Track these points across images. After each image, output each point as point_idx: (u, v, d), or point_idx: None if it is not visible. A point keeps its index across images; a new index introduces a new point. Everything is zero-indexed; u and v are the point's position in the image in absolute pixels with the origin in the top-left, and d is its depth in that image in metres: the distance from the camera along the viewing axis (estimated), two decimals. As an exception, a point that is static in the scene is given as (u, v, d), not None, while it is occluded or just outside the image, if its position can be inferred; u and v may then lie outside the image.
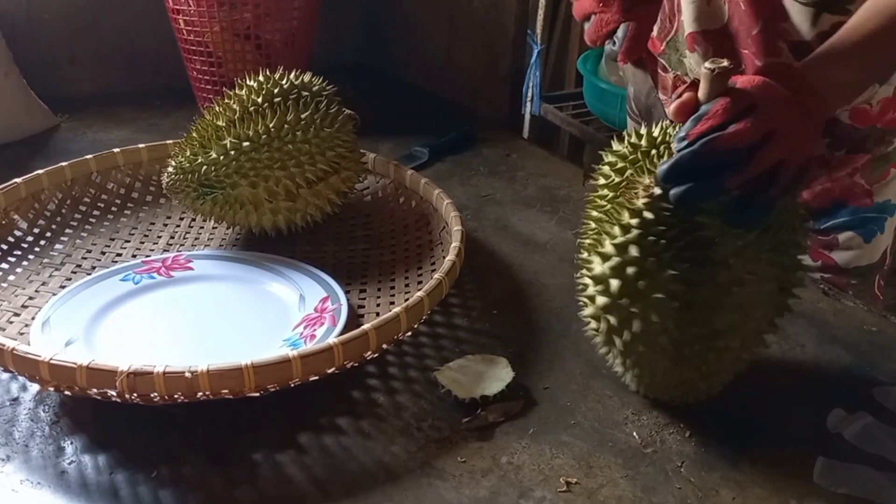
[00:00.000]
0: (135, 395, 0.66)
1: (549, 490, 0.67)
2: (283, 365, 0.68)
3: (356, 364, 0.74)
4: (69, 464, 0.68)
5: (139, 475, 0.67)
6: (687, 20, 0.97)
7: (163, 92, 1.51)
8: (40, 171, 1.02)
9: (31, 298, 0.90)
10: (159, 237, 1.05)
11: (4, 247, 0.97)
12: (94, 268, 0.97)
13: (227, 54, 1.35)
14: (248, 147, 0.93)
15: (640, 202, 0.66)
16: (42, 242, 1.00)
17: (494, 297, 0.93)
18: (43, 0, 1.46)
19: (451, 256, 0.85)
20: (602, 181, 0.73)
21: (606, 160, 0.73)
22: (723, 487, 0.67)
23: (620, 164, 0.71)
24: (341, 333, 0.77)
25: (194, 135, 0.97)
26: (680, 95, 0.68)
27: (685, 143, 0.64)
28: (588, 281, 0.71)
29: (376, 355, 0.77)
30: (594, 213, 0.73)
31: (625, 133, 0.75)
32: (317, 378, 0.71)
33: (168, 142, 1.12)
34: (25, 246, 0.98)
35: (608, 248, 0.68)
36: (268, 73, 1.01)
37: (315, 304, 0.88)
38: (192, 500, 0.65)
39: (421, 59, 1.73)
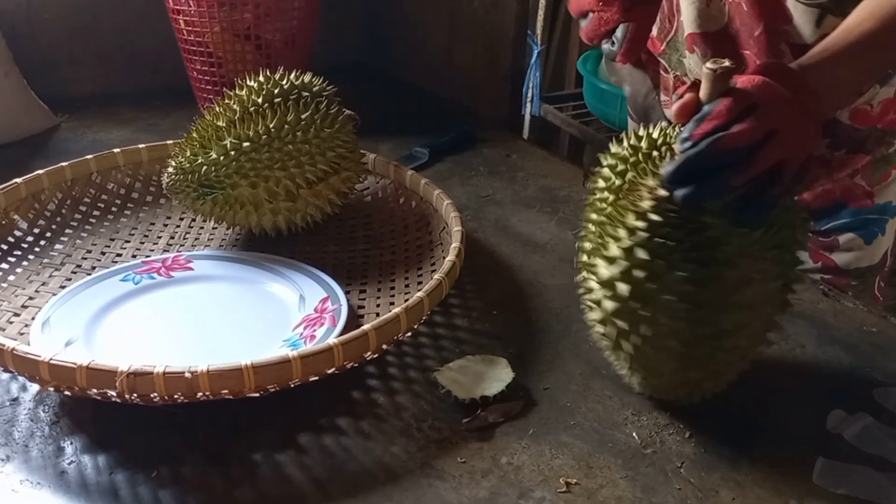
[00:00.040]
0: (135, 395, 0.66)
1: (548, 490, 0.67)
2: (283, 365, 0.68)
3: (356, 364, 0.74)
4: (69, 464, 0.68)
5: (139, 475, 0.67)
6: (686, 21, 0.97)
7: (163, 92, 1.51)
8: (40, 171, 1.02)
9: (31, 298, 0.90)
10: (159, 237, 1.05)
11: (4, 247, 0.97)
12: (94, 268, 0.97)
13: (227, 54, 1.35)
14: (249, 147, 0.93)
15: (646, 204, 0.66)
16: (42, 242, 1.00)
17: (494, 298, 0.93)
18: (43, 0, 1.46)
19: (451, 257, 0.85)
20: (602, 184, 0.73)
21: (605, 163, 0.73)
22: (722, 488, 0.67)
23: (621, 167, 0.71)
24: (341, 334, 0.77)
25: (194, 135, 0.97)
26: (681, 96, 0.68)
27: (689, 143, 0.64)
28: (594, 285, 0.70)
29: (376, 356, 0.77)
30: (594, 216, 0.73)
31: (622, 135, 0.75)
32: (317, 378, 0.71)
33: (168, 142, 1.12)
34: (25, 246, 0.98)
35: (615, 251, 0.67)
36: (268, 73, 1.01)
37: (315, 304, 0.88)
38: (192, 500, 0.65)
39: (421, 59, 1.73)
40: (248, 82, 1.00)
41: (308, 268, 0.94)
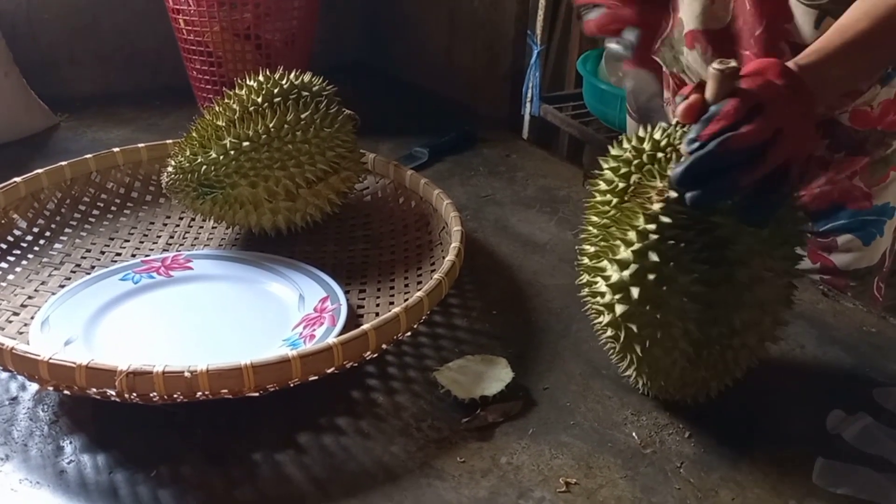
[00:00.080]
0: (134, 394, 0.66)
1: (548, 490, 0.67)
2: (283, 365, 0.68)
3: (356, 364, 0.74)
4: (68, 463, 0.68)
5: (138, 475, 0.67)
6: (688, 17, 0.97)
7: (163, 92, 1.51)
8: (40, 171, 1.02)
9: (30, 298, 0.90)
10: (159, 237, 1.05)
11: (4, 246, 0.97)
12: (93, 267, 0.97)
13: (227, 54, 1.35)
14: (248, 147, 0.93)
15: (656, 206, 0.66)
16: (41, 242, 1.00)
17: (494, 298, 0.93)
18: (43, 0, 1.45)
19: (450, 257, 0.85)
20: (604, 186, 0.73)
21: (608, 165, 0.73)
22: (722, 488, 0.67)
23: (624, 169, 0.71)
24: (341, 333, 0.77)
25: (194, 134, 0.97)
26: (686, 97, 0.68)
27: (696, 144, 0.64)
28: (604, 289, 0.70)
29: (376, 355, 0.77)
30: (596, 219, 0.72)
31: (622, 137, 0.74)
32: (316, 378, 0.71)
33: (168, 141, 1.12)
34: (25, 245, 0.98)
35: (625, 254, 0.67)
36: (268, 72, 1.01)
37: (314, 304, 0.88)
38: (192, 499, 0.65)
39: (421, 59, 1.73)
40: (247, 82, 1.00)
41: (308, 267, 0.94)
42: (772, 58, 0.71)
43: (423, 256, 0.99)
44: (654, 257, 0.66)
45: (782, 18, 0.89)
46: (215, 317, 0.88)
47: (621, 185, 0.71)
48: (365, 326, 0.72)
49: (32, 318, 0.84)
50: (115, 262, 0.98)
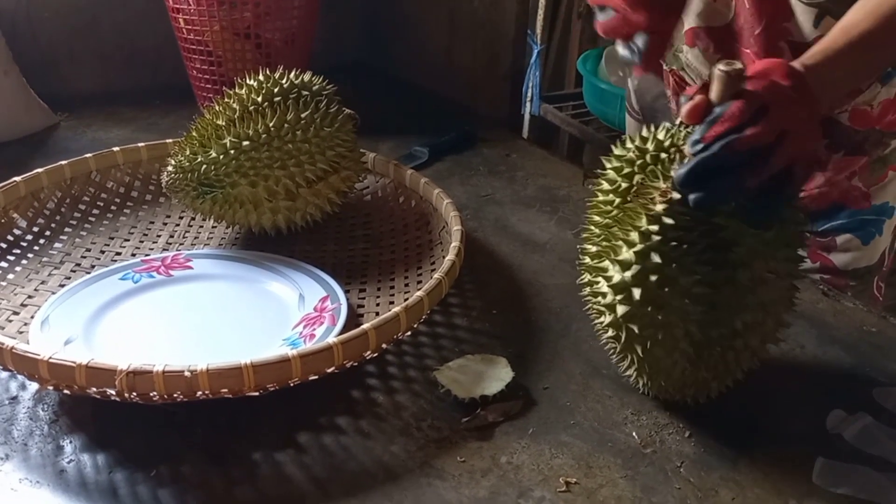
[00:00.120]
0: (134, 394, 0.66)
1: (548, 490, 0.67)
2: (283, 364, 0.68)
3: (356, 363, 0.74)
4: (68, 462, 0.68)
5: (138, 474, 0.67)
6: (689, 15, 0.97)
7: (163, 91, 1.51)
8: (40, 170, 1.02)
9: (30, 297, 0.90)
10: (159, 236, 1.05)
11: (3, 245, 0.96)
12: (93, 266, 0.97)
13: (227, 53, 1.34)
14: (248, 146, 0.93)
15: (659, 207, 0.66)
16: (41, 241, 1.00)
17: (494, 297, 0.93)
18: (43, -2, 1.46)
19: (450, 256, 0.85)
20: (606, 186, 0.72)
21: (611, 165, 0.73)
22: (722, 488, 0.67)
23: (627, 169, 0.71)
24: (341, 333, 0.77)
25: (194, 134, 0.97)
26: (690, 98, 0.67)
27: (700, 146, 0.64)
28: (606, 290, 0.70)
29: (376, 355, 0.77)
30: (598, 219, 0.72)
31: (625, 138, 0.74)
32: (316, 377, 0.71)
33: (168, 141, 1.12)
34: (25, 244, 0.98)
35: (627, 255, 0.67)
36: (268, 72, 1.01)
37: (315, 303, 0.88)
38: (192, 499, 0.65)
39: (421, 58, 1.73)
40: (247, 81, 1.00)
41: (308, 267, 0.94)
42: (776, 58, 0.71)
43: (423, 256, 0.99)
44: (656, 258, 0.66)
45: (781, 17, 0.89)
46: (215, 316, 0.88)
47: (624, 185, 0.70)
48: (365, 326, 0.72)
49: (32, 317, 0.84)
50: (115, 261, 0.98)
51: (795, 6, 0.88)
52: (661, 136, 0.71)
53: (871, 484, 0.67)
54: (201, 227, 1.07)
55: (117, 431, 0.72)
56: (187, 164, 0.94)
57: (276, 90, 0.98)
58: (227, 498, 0.66)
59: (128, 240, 1.03)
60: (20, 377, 0.76)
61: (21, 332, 0.83)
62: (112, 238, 1.03)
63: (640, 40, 0.92)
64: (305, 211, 0.99)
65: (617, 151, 0.73)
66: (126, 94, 1.51)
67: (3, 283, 0.91)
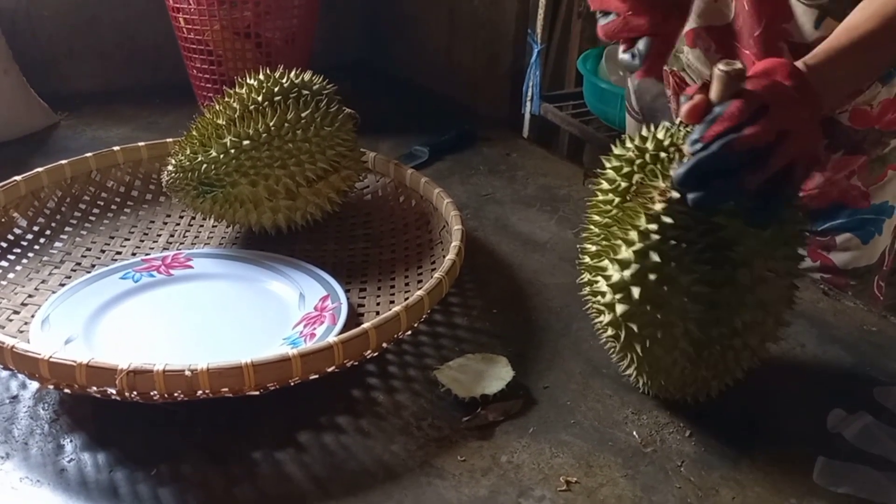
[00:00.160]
0: (134, 393, 0.66)
1: (548, 489, 0.67)
2: (283, 363, 0.67)
3: (356, 363, 0.74)
4: (68, 462, 0.68)
5: (139, 473, 0.67)
6: (689, 15, 0.97)
7: (163, 90, 1.51)
8: (40, 169, 1.02)
9: (30, 296, 0.90)
10: (159, 235, 1.05)
11: (4, 244, 0.96)
12: (93, 266, 0.97)
13: (227, 52, 1.34)
14: (249, 145, 0.93)
15: (658, 207, 0.66)
16: (42, 240, 1.00)
17: (494, 297, 0.93)
18: (43, -3, 1.46)
19: (451, 255, 0.85)
20: (606, 186, 0.72)
21: (610, 165, 0.73)
22: (723, 487, 0.67)
23: (626, 169, 0.71)
24: (341, 332, 0.77)
25: (194, 133, 0.97)
26: (690, 97, 0.67)
27: (700, 145, 0.64)
28: (605, 289, 0.70)
29: (376, 354, 0.77)
30: (598, 218, 0.72)
31: (625, 137, 0.74)
32: (317, 377, 0.71)
33: (168, 140, 1.12)
34: (25, 244, 0.98)
35: (626, 254, 0.67)
36: (268, 71, 1.01)
37: (315, 302, 0.88)
38: (192, 498, 0.65)
39: (421, 58, 1.73)
40: (248, 80, 1.00)
41: (308, 266, 0.94)
42: (779, 58, 0.71)
43: (423, 255, 0.99)
44: (655, 257, 0.66)
45: (781, 18, 0.89)
46: (216, 315, 0.88)
47: (623, 184, 0.70)
48: (365, 325, 0.72)
49: (33, 316, 0.84)
50: (116, 260, 0.98)
51: (796, 7, 0.88)
52: (660, 135, 0.71)
53: (872, 483, 0.68)
54: (202, 226, 1.07)
55: (118, 430, 0.72)
56: (188, 163, 0.94)
57: (276, 89, 0.98)
58: (228, 497, 0.66)
59: (128, 239, 1.03)
60: (21, 376, 0.76)
61: (21, 332, 0.83)
62: (112, 237, 1.03)
63: (641, 44, 0.92)
64: (306, 210, 0.99)
65: (616, 151, 0.73)
66: (126, 93, 1.51)
67: (4, 283, 0.91)
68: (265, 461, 0.69)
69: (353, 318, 0.87)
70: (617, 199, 0.71)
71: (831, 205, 1.00)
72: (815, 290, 0.95)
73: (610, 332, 0.72)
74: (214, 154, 0.93)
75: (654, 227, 0.66)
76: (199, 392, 0.66)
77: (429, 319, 0.86)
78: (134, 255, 1.00)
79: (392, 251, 1.02)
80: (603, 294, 0.70)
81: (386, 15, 1.79)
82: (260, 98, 0.97)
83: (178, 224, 1.08)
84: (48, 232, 1.01)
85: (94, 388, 0.67)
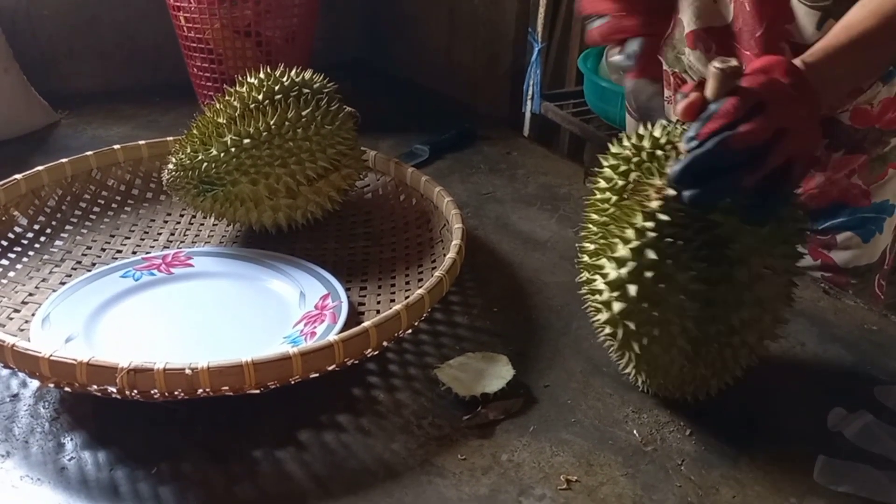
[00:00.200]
0: (135, 391, 0.66)
1: (549, 488, 0.67)
2: (284, 362, 0.68)
3: (356, 361, 0.74)
4: (69, 460, 0.68)
5: (139, 472, 0.67)
6: (687, 18, 0.97)
7: (163, 88, 1.51)
8: (40, 168, 1.02)
9: (31, 295, 0.90)
10: (159, 234, 1.05)
11: (4, 243, 0.96)
12: (94, 264, 0.97)
13: (227, 51, 1.34)
14: (249, 144, 0.93)
15: (654, 204, 0.66)
16: (42, 239, 1.00)
17: (495, 295, 0.93)
18: (43, -4, 1.46)
19: (451, 254, 0.85)
20: (603, 184, 0.72)
21: (607, 163, 0.73)
22: (723, 485, 0.67)
23: (623, 167, 0.71)
24: (342, 331, 0.77)
25: (195, 132, 0.97)
26: (686, 95, 0.67)
27: (695, 143, 0.64)
28: (602, 287, 0.70)
29: (377, 353, 0.77)
30: (596, 217, 0.72)
31: (622, 136, 0.74)
32: (317, 375, 0.71)
33: (168, 138, 1.12)
34: (25, 242, 0.98)
35: (623, 252, 0.67)
36: (268, 70, 1.01)
37: (315, 301, 0.88)
38: (192, 496, 0.65)
39: (421, 56, 1.73)
40: (248, 79, 1.00)
41: (308, 265, 0.94)
42: (772, 54, 0.71)
43: (423, 254, 0.99)
44: (651, 255, 0.65)
45: (783, 19, 0.89)
46: (216, 314, 0.88)
47: (620, 182, 0.70)
48: (366, 324, 0.72)
49: (33, 315, 0.84)
50: (116, 259, 0.98)
51: (797, 8, 0.88)
52: (657, 133, 0.71)
53: (872, 482, 0.68)
54: (202, 224, 1.07)
55: (118, 429, 0.72)
56: (188, 161, 0.94)
57: (276, 88, 0.98)
58: (228, 495, 0.66)
59: (128, 237, 1.03)
60: (21, 375, 0.76)
61: (22, 330, 0.83)
62: (113, 236, 1.03)
63: (633, 45, 0.92)
64: (306, 209, 0.99)
65: (613, 149, 0.73)
66: (126, 91, 1.51)
67: (4, 281, 0.91)
68: (266, 460, 0.69)
69: (354, 317, 0.87)
70: (614, 198, 0.71)
71: (832, 204, 1.00)
72: (816, 288, 0.95)
73: (608, 330, 0.72)
74: (215, 153, 0.93)
75: (650, 224, 0.66)
76: (200, 390, 0.66)
77: (429, 318, 0.86)
78: (134, 253, 1.00)
79: (392, 250, 1.02)
80: (600, 292, 0.70)
81: (386, 14, 1.79)
82: (260, 97, 0.97)
83: (179, 223, 1.08)
84: (49, 230, 1.01)
85: (95, 387, 0.67)
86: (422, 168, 1.19)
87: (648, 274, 0.66)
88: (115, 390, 0.66)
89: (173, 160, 0.97)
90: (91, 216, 1.06)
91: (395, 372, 0.80)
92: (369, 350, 0.73)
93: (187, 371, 0.65)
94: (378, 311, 0.89)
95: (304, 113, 0.96)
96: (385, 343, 0.75)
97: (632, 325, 0.68)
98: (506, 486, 0.67)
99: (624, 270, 0.67)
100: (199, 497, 0.65)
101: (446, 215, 0.98)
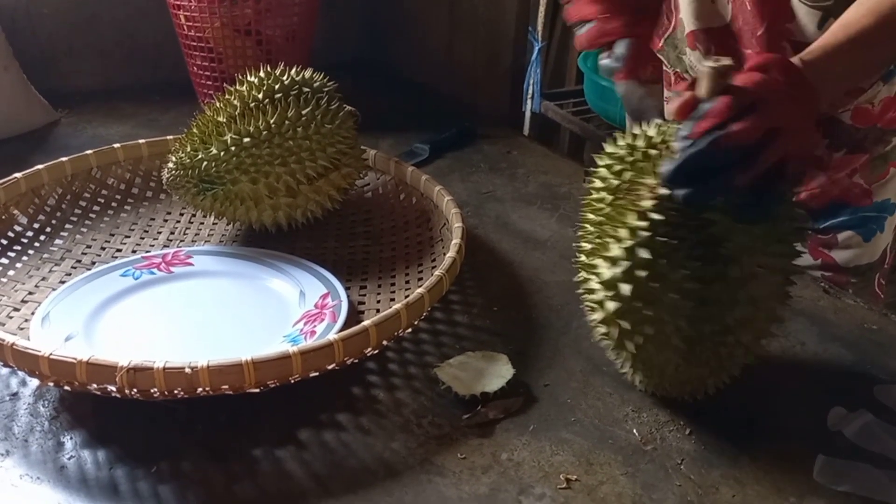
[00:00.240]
0: (135, 390, 0.66)
1: (548, 487, 0.67)
2: (284, 361, 0.67)
3: (356, 360, 0.74)
4: (69, 459, 0.68)
5: (139, 470, 0.67)
6: (687, 18, 0.97)
7: (163, 87, 1.51)
8: (40, 167, 1.02)
9: (30, 293, 0.90)
10: (159, 233, 1.05)
11: (4, 242, 0.96)
12: (93, 263, 0.97)
13: (227, 50, 1.34)
14: (249, 143, 0.93)
15: (647, 203, 0.66)
16: (42, 237, 1.00)
17: (495, 294, 0.93)
18: (43, -5, 1.46)
19: (451, 253, 0.85)
20: (599, 184, 0.72)
21: (602, 163, 0.73)
22: (722, 485, 0.67)
23: (618, 166, 0.71)
24: (341, 330, 0.77)
25: (195, 130, 0.97)
26: (680, 94, 0.67)
27: (687, 142, 0.64)
28: (596, 286, 0.70)
29: (376, 352, 0.77)
30: (592, 217, 0.72)
31: (617, 135, 0.74)
32: (317, 374, 0.71)
33: (168, 137, 1.12)
34: (25, 241, 0.98)
35: (616, 251, 0.67)
36: (268, 68, 1.00)
37: (315, 300, 0.88)
38: (192, 495, 0.65)
39: (421, 55, 1.73)
40: (248, 78, 1.00)
41: (308, 264, 0.94)
42: (775, 53, 0.71)
43: (423, 253, 0.99)
44: (644, 254, 0.65)
45: (783, 18, 0.89)
46: (216, 313, 0.88)
47: (615, 182, 0.70)
48: (366, 323, 0.72)
49: (33, 313, 0.84)
50: (116, 257, 0.98)
51: (798, 8, 0.88)
52: (651, 132, 0.71)
53: (872, 481, 0.67)
54: (202, 223, 1.07)
55: (118, 428, 0.72)
56: (188, 160, 0.94)
57: (276, 87, 0.98)
58: (228, 494, 0.66)
59: (128, 236, 1.03)
60: (21, 373, 0.76)
61: (22, 329, 0.83)
62: (113, 235, 1.03)
63: (620, 47, 0.92)
64: (306, 208, 0.99)
65: (609, 149, 0.73)
66: (126, 90, 1.51)
67: (4, 280, 0.91)
68: (265, 458, 0.69)
69: (354, 316, 0.87)
70: (609, 197, 0.71)
71: (833, 203, 0.99)
72: (816, 287, 0.95)
73: (603, 329, 0.72)
74: (215, 151, 0.93)
75: (643, 223, 0.66)
76: (200, 389, 0.66)
77: (429, 317, 0.86)
78: (134, 252, 1.00)
79: (392, 249, 1.02)
80: (594, 291, 0.70)
81: (386, 12, 1.79)
82: (260, 95, 0.97)
83: (179, 221, 1.07)
84: (48, 229, 1.01)
85: (95, 386, 0.67)
86: (422, 167, 1.19)
87: (642, 273, 0.66)
88: (114, 389, 0.66)
89: (173, 159, 0.96)
90: (91, 215, 1.06)
91: (394, 371, 0.80)
92: (369, 349, 0.73)
93: (187, 370, 0.65)
94: (378, 310, 0.88)
95: (304, 112, 0.96)
96: (385, 342, 0.75)
97: (626, 325, 0.68)
98: (506, 485, 0.67)
99: (617, 269, 0.67)
100: (199, 496, 0.65)
101: (446, 214, 0.98)
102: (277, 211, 0.97)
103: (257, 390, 0.69)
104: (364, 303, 0.91)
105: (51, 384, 0.73)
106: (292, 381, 0.70)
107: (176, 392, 0.67)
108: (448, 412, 0.74)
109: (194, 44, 1.35)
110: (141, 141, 1.11)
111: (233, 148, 0.93)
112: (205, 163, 0.93)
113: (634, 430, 0.73)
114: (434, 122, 1.40)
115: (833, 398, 0.76)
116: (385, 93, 1.58)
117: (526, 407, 0.75)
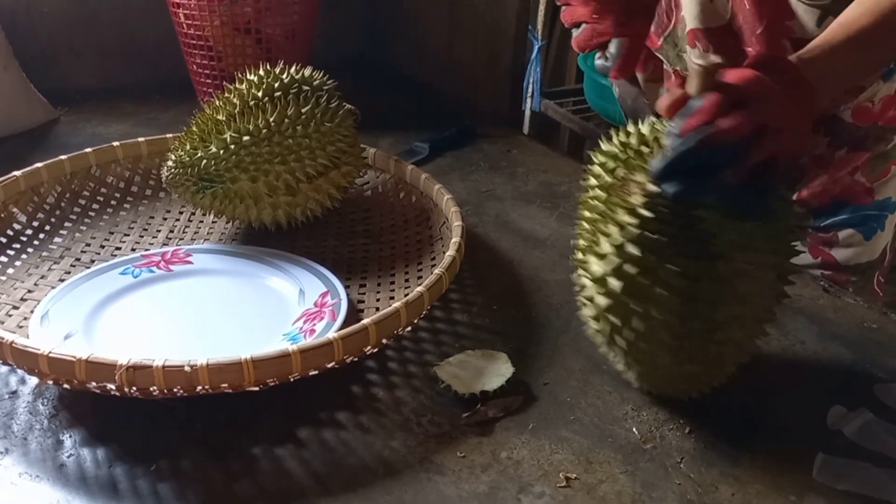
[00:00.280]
0: (134, 388, 0.66)
1: (548, 485, 0.67)
2: (283, 359, 0.67)
3: (356, 359, 0.74)
4: (68, 457, 0.68)
5: (138, 469, 0.67)
6: (688, 17, 0.97)
7: (163, 86, 1.51)
8: (39, 165, 1.02)
9: (29, 291, 0.90)
10: (159, 231, 1.05)
11: (3, 240, 0.96)
12: (93, 261, 0.97)
13: (227, 48, 1.34)
14: (248, 141, 0.93)
15: (636, 200, 0.66)
16: (41, 236, 1.00)
17: (494, 293, 0.93)
18: (43, -7, 1.46)
19: (451, 252, 0.85)
20: (593, 182, 0.73)
21: (597, 161, 0.73)
22: (722, 483, 0.67)
23: (612, 164, 0.71)
24: (341, 328, 0.77)
25: (194, 129, 0.97)
26: (670, 91, 0.67)
27: (677, 139, 0.64)
28: (587, 282, 0.70)
29: (376, 350, 0.77)
30: (587, 214, 0.72)
31: (611, 132, 0.74)
32: (316, 372, 0.71)
33: (168, 136, 1.12)
34: (24, 239, 0.98)
35: (606, 247, 0.67)
36: (268, 67, 1.00)
37: (315, 298, 0.88)
38: (191, 493, 0.65)
39: (421, 54, 1.73)
40: (248, 76, 1.00)
41: (308, 262, 0.94)
42: (773, 51, 0.71)
43: (423, 251, 0.99)
44: (633, 250, 0.65)
45: (782, 16, 0.89)
46: (215, 311, 0.88)
47: (609, 179, 0.70)
48: (365, 321, 0.72)
49: (32, 311, 0.84)
50: (115, 256, 0.98)
51: (797, 6, 0.88)
52: (644, 130, 0.71)
53: (872, 480, 0.67)
54: (201, 222, 1.07)
55: (117, 426, 0.72)
56: (187, 159, 0.94)
57: (276, 85, 0.98)
58: (227, 493, 0.65)
59: (128, 234, 1.03)
60: (20, 372, 0.76)
61: (21, 327, 0.83)
62: (112, 233, 1.03)
63: (613, 46, 0.92)
64: (305, 206, 0.99)
65: (603, 146, 0.73)
66: (126, 88, 1.51)
67: (3, 278, 0.91)
68: (265, 457, 0.69)
69: (353, 315, 0.87)
70: (604, 195, 0.71)
71: (834, 201, 0.99)
72: (815, 286, 0.95)
73: (593, 324, 0.72)
74: (214, 150, 0.93)
75: (632, 220, 0.66)
76: (199, 388, 0.66)
77: (429, 316, 0.86)
78: (133, 250, 1.00)
79: (392, 247, 1.02)
80: (585, 287, 0.70)
81: (386, 11, 1.78)
82: (260, 94, 0.97)
83: (178, 220, 1.07)
84: (48, 227, 1.01)
85: (94, 384, 0.67)
86: (421, 166, 1.19)
87: (631, 269, 0.66)
88: (113, 387, 0.66)
89: (173, 157, 0.96)
90: (90, 213, 1.06)
91: (394, 369, 0.80)
92: (369, 348, 0.73)
93: (186, 368, 0.65)
94: (377, 309, 0.88)
95: (303, 110, 0.96)
96: (384, 341, 0.75)
97: (615, 320, 0.68)
98: (505, 483, 0.67)
99: (607, 265, 0.67)
100: (198, 494, 0.65)
101: (446, 213, 0.98)
102: (277, 209, 0.97)
103: (257, 389, 0.69)
104: (364, 301, 0.91)
105: (50, 382, 0.73)
106: (292, 380, 0.70)
107: (175, 390, 0.67)
108: (447, 411, 0.74)
109: (194, 42, 1.35)
110: (140, 139, 1.11)
111: (232, 146, 0.93)
112: (204, 161, 0.93)
113: (634, 429, 0.73)
114: (434, 120, 1.40)
115: (833, 397, 0.76)
116: (385, 91, 1.58)
117: (525, 405, 0.75)
